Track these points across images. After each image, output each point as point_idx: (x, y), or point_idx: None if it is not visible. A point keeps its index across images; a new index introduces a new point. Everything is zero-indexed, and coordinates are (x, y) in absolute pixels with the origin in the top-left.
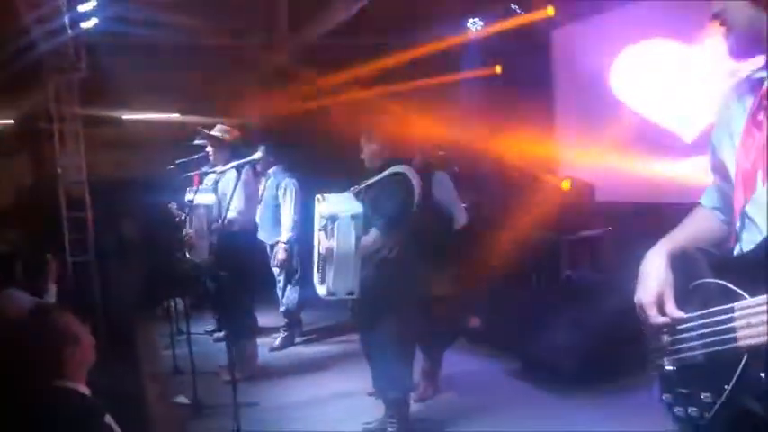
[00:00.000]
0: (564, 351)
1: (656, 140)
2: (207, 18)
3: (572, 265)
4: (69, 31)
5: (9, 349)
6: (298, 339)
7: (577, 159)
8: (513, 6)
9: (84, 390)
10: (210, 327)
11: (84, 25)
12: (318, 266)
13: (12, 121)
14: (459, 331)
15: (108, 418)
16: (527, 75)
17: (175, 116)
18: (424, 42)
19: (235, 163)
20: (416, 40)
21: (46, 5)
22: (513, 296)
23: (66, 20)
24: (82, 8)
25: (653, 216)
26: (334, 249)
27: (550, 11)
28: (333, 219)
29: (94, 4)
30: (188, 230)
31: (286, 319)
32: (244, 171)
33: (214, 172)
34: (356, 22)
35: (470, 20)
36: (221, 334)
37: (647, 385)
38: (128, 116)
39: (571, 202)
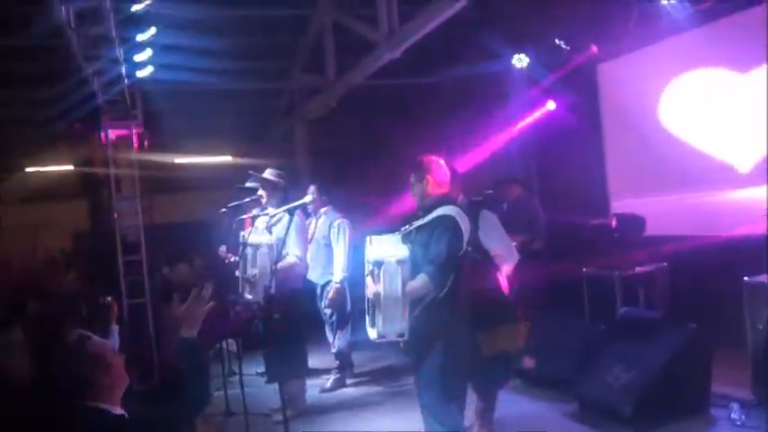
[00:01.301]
0: (621, 391)
1: (707, 171)
2: (256, 64)
3: (627, 302)
4: (126, 81)
5: (50, 373)
6: (349, 381)
7: (628, 192)
8: (558, 42)
9: (117, 410)
10: (262, 368)
11: (140, 74)
12: (368, 310)
13: (71, 167)
14: (512, 371)
15: None
16: (574, 109)
17: (227, 159)
18: (471, 79)
19: (288, 206)
20: (463, 77)
21: (104, 58)
22: (568, 335)
23: (123, 70)
24: (137, 58)
25: (708, 249)
26: (381, 294)
27: (594, 49)
28: (379, 264)
29: (150, 53)
30: (251, 270)
31: (337, 361)
32: (296, 214)
33: (266, 215)
34: (402, 62)
35: (516, 56)
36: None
37: (707, 426)
38: (181, 160)
39: (623, 237)
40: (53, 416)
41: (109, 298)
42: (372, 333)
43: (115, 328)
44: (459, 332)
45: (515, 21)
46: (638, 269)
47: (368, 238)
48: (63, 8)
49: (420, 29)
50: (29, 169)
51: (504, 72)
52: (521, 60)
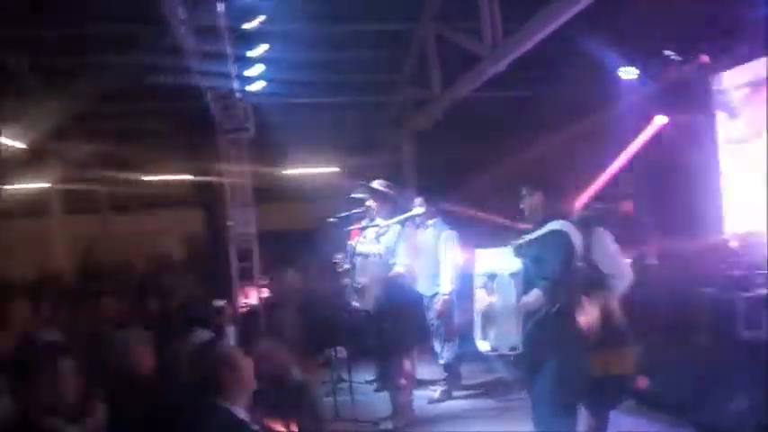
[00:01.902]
0: (742, 419)
1: None
2: (363, 77)
3: (750, 325)
4: (239, 95)
5: (183, 372)
6: (457, 393)
7: (749, 210)
8: (667, 53)
9: (241, 412)
10: (370, 376)
11: (252, 88)
12: (479, 322)
13: (188, 177)
14: (626, 391)
15: None
16: (686, 122)
17: (335, 170)
18: (578, 91)
19: (399, 217)
20: (570, 89)
21: (219, 73)
22: (687, 358)
23: (236, 85)
24: (250, 73)
25: None
26: (495, 307)
27: (705, 59)
28: (492, 276)
29: (262, 68)
30: (360, 279)
31: (445, 372)
32: (407, 225)
33: (376, 226)
34: (508, 74)
35: (623, 67)
36: (380, 384)
37: None
38: (291, 171)
39: (745, 257)
40: (181, 411)
41: (224, 302)
42: (484, 346)
43: (230, 330)
44: (571, 348)
45: (622, 31)
46: (762, 291)
47: (478, 251)
48: (182, 27)
49: (524, 41)
50: (148, 178)
51: (611, 84)
52: (628, 72)
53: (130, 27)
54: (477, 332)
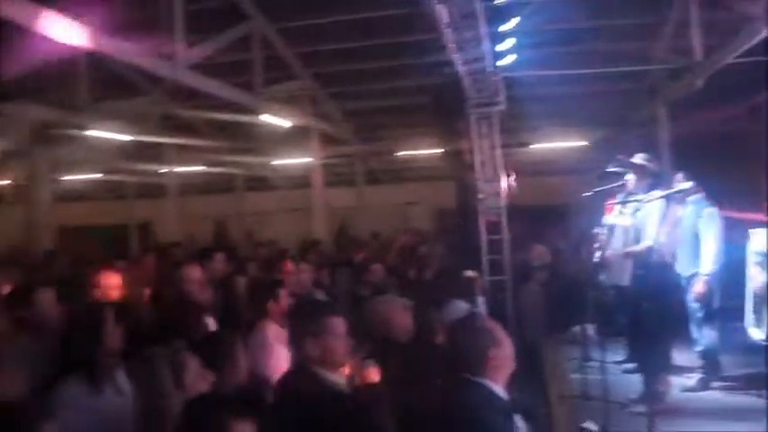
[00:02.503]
0: None
1: None
2: (617, 45)
3: None
4: (491, 69)
5: (439, 342)
6: (715, 384)
7: None
8: None
9: (500, 391)
10: (619, 357)
11: (503, 62)
12: (754, 307)
13: (440, 150)
14: None
15: (518, 421)
16: None
17: (584, 144)
18: None
19: (662, 192)
20: None
21: (471, 48)
22: None
23: (489, 59)
24: (500, 47)
25: None
26: None
27: None
28: None
29: (513, 42)
30: (613, 253)
31: (703, 360)
32: (670, 200)
33: (637, 200)
34: None
35: None
36: (631, 365)
37: None
38: (539, 145)
39: None
40: (436, 382)
41: (473, 272)
42: (757, 334)
43: (481, 300)
44: None
45: None
46: None
47: (751, 230)
48: (437, 6)
49: None
50: (401, 153)
51: None
52: None
53: (388, 9)
54: (749, 316)
